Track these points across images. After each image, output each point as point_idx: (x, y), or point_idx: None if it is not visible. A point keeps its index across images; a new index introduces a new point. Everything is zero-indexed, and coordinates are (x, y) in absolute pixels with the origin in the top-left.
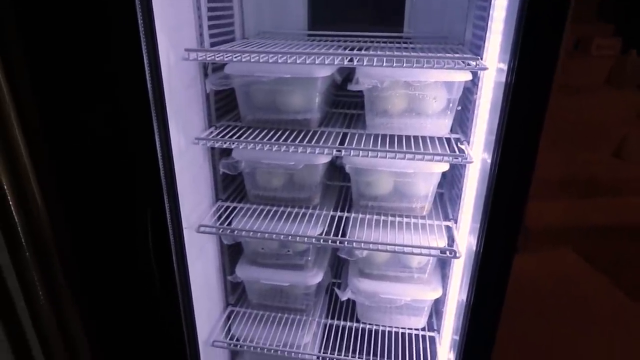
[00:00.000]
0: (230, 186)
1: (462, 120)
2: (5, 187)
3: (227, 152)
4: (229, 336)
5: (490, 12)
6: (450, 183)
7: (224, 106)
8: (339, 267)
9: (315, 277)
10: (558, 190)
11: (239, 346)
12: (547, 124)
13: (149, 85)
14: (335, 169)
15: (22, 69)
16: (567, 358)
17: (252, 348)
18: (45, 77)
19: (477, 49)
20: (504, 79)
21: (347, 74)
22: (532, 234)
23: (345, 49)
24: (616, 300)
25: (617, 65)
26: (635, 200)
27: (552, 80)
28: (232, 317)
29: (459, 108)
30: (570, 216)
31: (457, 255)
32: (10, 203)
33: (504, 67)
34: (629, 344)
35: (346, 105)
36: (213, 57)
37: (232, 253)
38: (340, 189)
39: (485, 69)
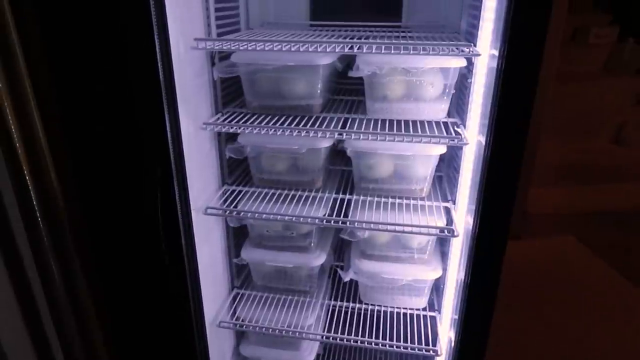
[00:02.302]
0: (236, 171)
1: (459, 105)
2: (26, 172)
3: (233, 138)
4: (235, 317)
5: (483, 0)
6: (449, 166)
7: (230, 94)
8: (341, 251)
9: (318, 258)
10: (558, 177)
11: (244, 327)
12: (546, 112)
13: (160, 74)
14: (337, 153)
15: (42, 62)
16: (568, 339)
17: (257, 328)
18: (64, 64)
19: (471, 37)
20: (495, 65)
21: (348, 62)
22: (533, 220)
23: (345, 38)
24: (616, 284)
25: (615, 53)
26: (635, 186)
27: (540, 64)
28: (237, 299)
29: (454, 91)
30: (570, 202)
31: (456, 233)
32: (31, 192)
33: (496, 53)
34: (630, 328)
35: (347, 92)
36: (221, 45)
37: (237, 237)
38: (342, 173)
39: (478, 55)
